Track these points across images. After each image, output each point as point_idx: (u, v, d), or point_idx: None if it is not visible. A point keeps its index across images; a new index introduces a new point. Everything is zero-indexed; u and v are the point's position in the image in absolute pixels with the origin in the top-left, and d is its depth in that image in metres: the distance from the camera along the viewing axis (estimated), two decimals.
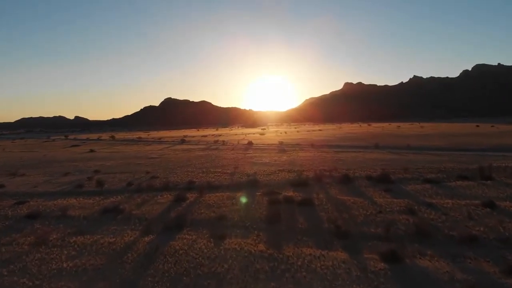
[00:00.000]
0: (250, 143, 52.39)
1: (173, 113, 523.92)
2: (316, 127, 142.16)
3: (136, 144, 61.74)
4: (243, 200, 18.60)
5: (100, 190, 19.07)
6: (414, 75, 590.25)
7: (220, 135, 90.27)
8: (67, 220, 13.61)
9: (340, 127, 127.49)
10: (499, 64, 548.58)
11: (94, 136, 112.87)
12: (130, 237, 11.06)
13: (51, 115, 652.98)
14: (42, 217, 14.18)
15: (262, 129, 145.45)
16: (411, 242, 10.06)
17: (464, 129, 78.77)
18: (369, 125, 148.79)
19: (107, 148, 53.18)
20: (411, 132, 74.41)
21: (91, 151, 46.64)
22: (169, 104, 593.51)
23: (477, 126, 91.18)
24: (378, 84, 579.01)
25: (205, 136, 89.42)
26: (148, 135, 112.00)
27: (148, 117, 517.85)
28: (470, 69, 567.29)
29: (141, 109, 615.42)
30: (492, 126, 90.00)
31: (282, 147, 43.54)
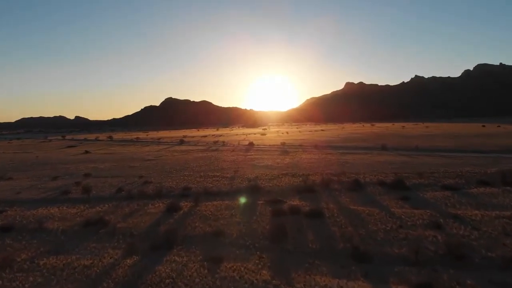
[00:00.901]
0: (251, 144, 50.70)
1: (173, 113, 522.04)
2: (318, 127, 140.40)
3: (134, 145, 60.07)
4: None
5: (86, 198, 17.39)
6: (416, 75, 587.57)
7: (220, 136, 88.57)
8: (43, 234, 11.95)
9: (343, 127, 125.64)
10: (500, 64, 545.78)
11: (92, 136, 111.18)
12: (110, 258, 9.37)
13: (51, 115, 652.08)
14: (16, 230, 12.52)
15: (263, 129, 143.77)
16: (445, 267, 8.37)
17: (470, 129, 76.93)
18: (372, 125, 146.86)
19: (103, 149, 51.53)
20: (417, 132, 72.60)
21: (86, 152, 45.01)
22: (170, 104, 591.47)
23: (483, 126, 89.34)
24: (379, 84, 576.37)
25: (205, 136, 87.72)
26: (147, 135, 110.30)
27: (149, 117, 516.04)
28: (471, 69, 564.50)
29: (141, 109, 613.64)
30: (498, 126, 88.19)
31: (284, 148, 41.82)
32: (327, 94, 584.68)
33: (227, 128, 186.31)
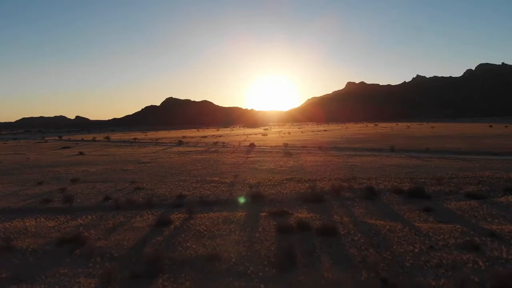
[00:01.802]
0: (252, 144, 48.89)
1: (174, 113, 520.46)
2: (321, 127, 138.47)
3: (131, 146, 58.25)
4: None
5: (68, 207, 15.61)
6: (417, 75, 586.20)
7: (220, 136, 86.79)
8: (9, 255, 10.14)
9: (346, 128, 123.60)
10: (503, 63, 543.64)
11: (90, 136, 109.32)
12: None
13: (51, 115, 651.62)
14: None
15: (264, 129, 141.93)
16: None
17: (478, 130, 74.87)
18: (375, 125, 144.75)
19: (98, 151, 49.71)
20: (423, 132, 70.67)
21: (80, 154, 43.23)
22: (171, 103, 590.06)
23: (490, 126, 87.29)
24: (381, 84, 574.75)
25: (205, 137, 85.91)
26: (146, 136, 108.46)
27: (149, 117, 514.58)
28: (473, 68, 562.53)
29: (142, 109, 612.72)
30: (506, 126, 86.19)
31: (287, 150, 40.00)
32: (328, 94, 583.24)
33: (228, 128, 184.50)
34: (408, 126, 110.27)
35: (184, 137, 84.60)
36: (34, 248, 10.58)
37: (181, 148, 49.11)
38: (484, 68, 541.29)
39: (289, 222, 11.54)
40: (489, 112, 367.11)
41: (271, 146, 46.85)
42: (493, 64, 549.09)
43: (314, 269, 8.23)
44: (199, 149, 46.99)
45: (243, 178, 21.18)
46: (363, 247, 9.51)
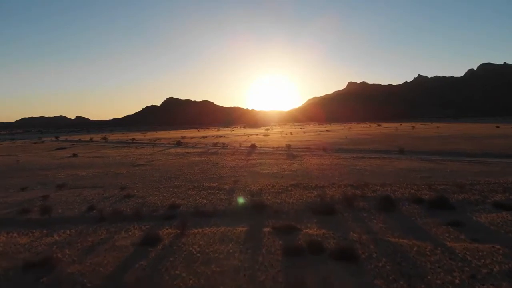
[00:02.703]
0: (253, 146, 47.14)
1: (175, 112, 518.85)
2: (323, 128, 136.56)
3: (127, 147, 56.48)
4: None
5: (47, 219, 13.90)
6: (419, 74, 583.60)
7: (220, 137, 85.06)
8: None
9: (349, 128, 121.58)
10: (504, 63, 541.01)
11: (87, 137, 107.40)
12: None
13: (52, 115, 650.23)
14: None
15: (265, 129, 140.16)
16: None
17: (485, 130, 72.82)
18: (379, 125, 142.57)
19: (93, 152, 47.96)
20: (429, 133, 68.77)
21: (74, 155, 41.48)
22: (171, 103, 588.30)
23: (497, 127, 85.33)
24: (382, 84, 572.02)
25: (205, 137, 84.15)
26: (144, 136, 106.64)
27: (150, 117, 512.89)
28: (475, 68, 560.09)
29: (142, 109, 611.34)
30: None
31: (290, 152, 38.23)
32: (329, 94, 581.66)
33: (228, 129, 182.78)
34: (413, 127, 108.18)
35: (183, 137, 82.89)
36: None
37: (179, 150, 47.37)
38: (485, 68, 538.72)
39: (298, 242, 9.80)
40: (490, 112, 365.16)
41: (273, 147, 45.09)
42: (495, 64, 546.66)
43: None
44: (198, 150, 45.25)
45: (243, 183, 19.45)
46: (390, 277, 7.75)
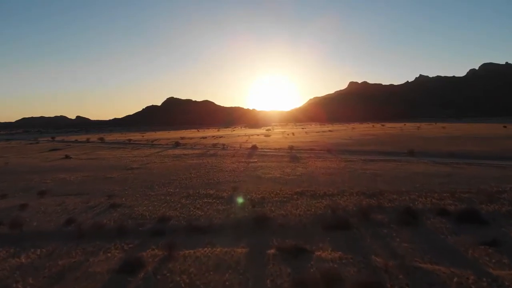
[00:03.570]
0: (254, 147, 45.33)
1: (175, 112, 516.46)
2: (325, 128, 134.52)
3: (123, 148, 54.65)
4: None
5: (19, 235, 12.10)
6: (420, 74, 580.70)
7: (220, 137, 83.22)
8: None
9: (352, 128, 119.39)
10: (506, 63, 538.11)
11: (85, 137, 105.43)
12: None
13: (52, 115, 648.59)
14: None
15: (266, 129, 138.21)
16: None
17: (493, 130, 70.74)
18: (382, 125, 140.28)
19: (87, 154, 46.16)
20: (434, 133, 66.81)
21: (66, 157, 39.66)
22: (172, 103, 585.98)
23: (504, 127, 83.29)
24: (383, 84, 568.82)
25: (204, 138, 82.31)
26: (143, 136, 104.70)
27: (150, 117, 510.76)
28: (477, 68, 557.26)
29: (143, 109, 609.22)
30: None
31: (293, 153, 36.38)
32: (330, 94, 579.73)
33: (229, 129, 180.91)
34: (418, 127, 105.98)
35: (182, 138, 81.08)
36: None
37: (177, 151, 45.53)
38: (487, 68, 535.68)
39: (310, 271, 7.97)
40: (491, 112, 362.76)
41: (275, 149, 43.25)
42: (497, 64, 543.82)
43: None
44: (197, 151, 43.41)
45: (244, 190, 17.63)
46: None
